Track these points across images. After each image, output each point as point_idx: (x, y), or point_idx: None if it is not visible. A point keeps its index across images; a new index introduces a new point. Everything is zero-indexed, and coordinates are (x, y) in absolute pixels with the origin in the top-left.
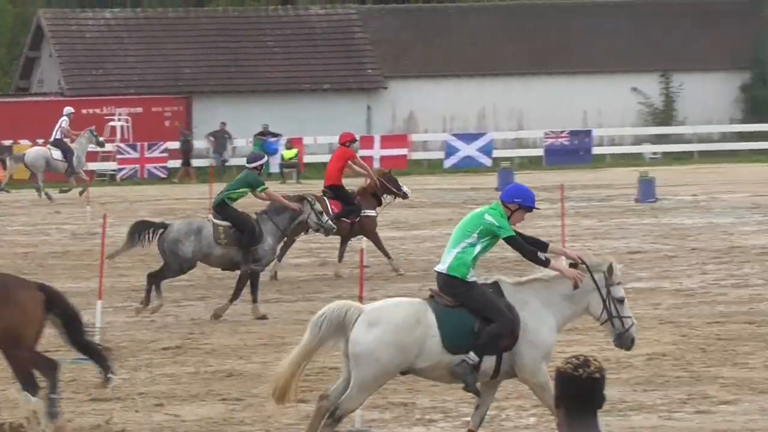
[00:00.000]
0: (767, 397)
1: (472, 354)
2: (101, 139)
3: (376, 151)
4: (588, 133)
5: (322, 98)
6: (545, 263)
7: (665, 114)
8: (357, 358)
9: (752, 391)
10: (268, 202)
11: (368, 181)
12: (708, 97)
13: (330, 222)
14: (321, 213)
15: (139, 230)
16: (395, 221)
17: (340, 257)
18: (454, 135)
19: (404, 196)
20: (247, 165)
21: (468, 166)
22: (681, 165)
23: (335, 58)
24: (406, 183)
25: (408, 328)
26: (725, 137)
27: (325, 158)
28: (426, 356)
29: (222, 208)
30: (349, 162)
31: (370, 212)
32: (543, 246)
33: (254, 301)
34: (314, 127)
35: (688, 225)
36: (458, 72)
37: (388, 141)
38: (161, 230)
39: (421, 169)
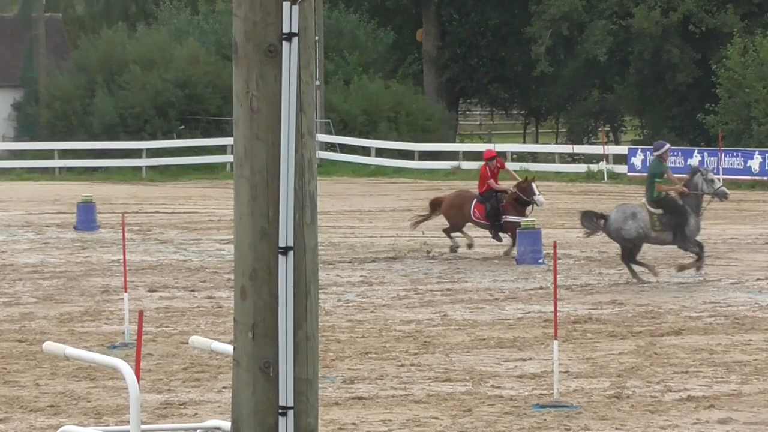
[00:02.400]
0: (37, 416)
1: None
2: None
3: None
4: None
5: None
6: None
7: None
8: None
9: (23, 410)
10: None
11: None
12: None
13: (723, 188)
14: (712, 181)
15: (589, 218)
16: None
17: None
18: None
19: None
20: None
21: None
22: None
23: None
24: None
25: None
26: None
27: None
28: None
29: (658, 201)
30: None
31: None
32: None
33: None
34: None
35: None
36: None
37: None
38: (602, 220)
39: None
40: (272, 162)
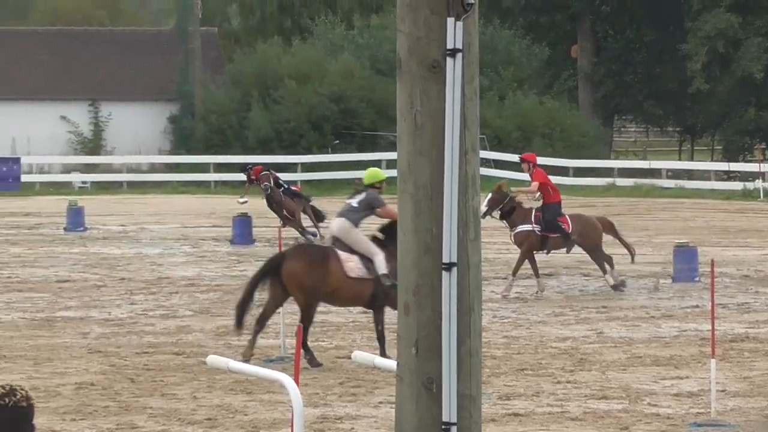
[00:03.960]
0: (195, 428)
1: None
2: None
3: None
4: (17, 160)
5: None
6: None
7: (94, 143)
8: None
9: (180, 422)
10: None
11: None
12: (137, 128)
13: None
14: None
15: None
16: None
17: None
18: None
19: None
20: None
21: None
22: (110, 195)
23: None
24: None
25: None
26: (154, 168)
27: None
28: None
29: None
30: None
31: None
32: None
33: None
34: None
35: (117, 255)
36: None
37: None
38: None
39: None
40: (435, 178)
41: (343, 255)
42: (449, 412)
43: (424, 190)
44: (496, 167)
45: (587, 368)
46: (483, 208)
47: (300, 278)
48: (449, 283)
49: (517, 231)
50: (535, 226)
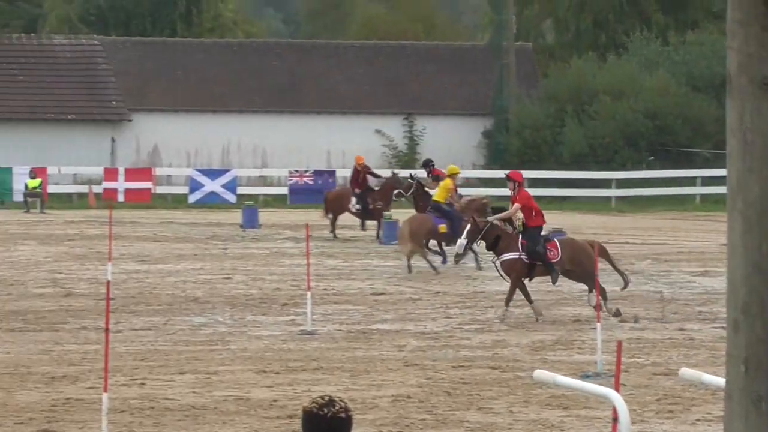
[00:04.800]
0: None
1: None
2: None
3: (121, 184)
4: (332, 173)
5: (65, 128)
6: None
7: (408, 157)
8: None
9: None
10: None
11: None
12: (451, 142)
13: None
14: None
15: None
16: (140, 254)
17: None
18: (198, 170)
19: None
20: None
21: (212, 202)
22: None
23: (79, 89)
24: (150, 217)
25: None
26: (468, 182)
27: (69, 188)
28: None
29: None
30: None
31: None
32: None
33: None
34: (58, 157)
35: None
36: (201, 107)
37: (132, 174)
38: None
39: (166, 203)
40: (765, 195)
41: None
42: None
43: (753, 208)
44: None
45: None
46: (462, 241)
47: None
48: None
49: (503, 259)
50: (522, 253)
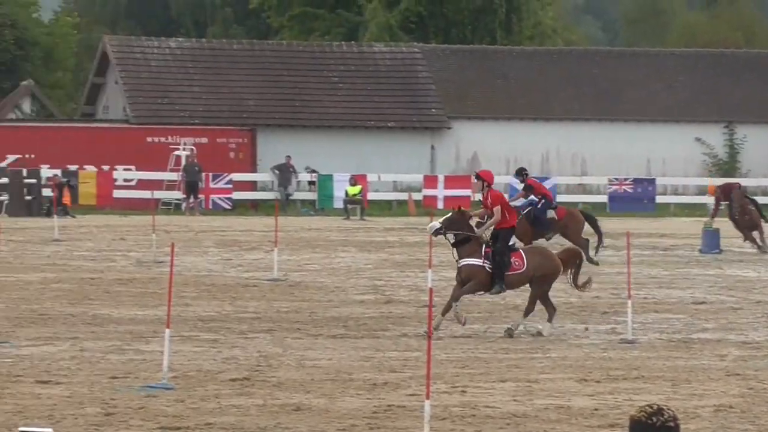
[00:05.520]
0: None
1: None
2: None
3: (440, 191)
4: (652, 181)
5: (386, 136)
6: None
7: (729, 165)
8: None
9: None
10: None
11: None
12: None
13: None
14: None
15: None
16: None
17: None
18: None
19: None
20: None
21: None
22: None
23: (399, 97)
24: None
25: None
26: None
27: (389, 195)
28: None
29: None
30: None
31: None
32: None
33: None
34: (377, 165)
35: (753, 277)
36: (521, 114)
37: (452, 181)
38: None
39: None
40: None
41: None
42: None
43: None
44: None
45: None
46: (436, 224)
47: None
48: None
49: (465, 263)
50: (485, 261)
